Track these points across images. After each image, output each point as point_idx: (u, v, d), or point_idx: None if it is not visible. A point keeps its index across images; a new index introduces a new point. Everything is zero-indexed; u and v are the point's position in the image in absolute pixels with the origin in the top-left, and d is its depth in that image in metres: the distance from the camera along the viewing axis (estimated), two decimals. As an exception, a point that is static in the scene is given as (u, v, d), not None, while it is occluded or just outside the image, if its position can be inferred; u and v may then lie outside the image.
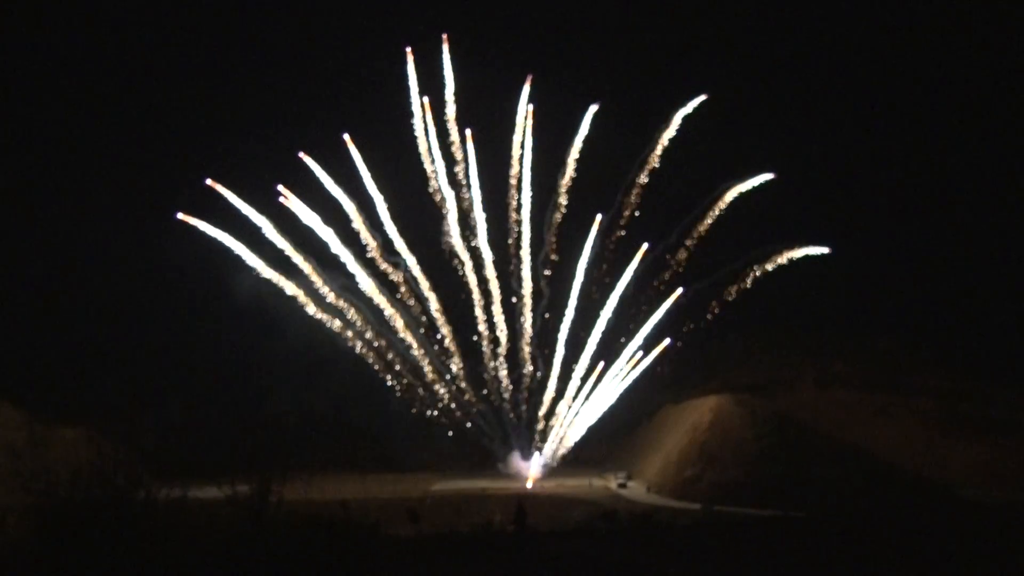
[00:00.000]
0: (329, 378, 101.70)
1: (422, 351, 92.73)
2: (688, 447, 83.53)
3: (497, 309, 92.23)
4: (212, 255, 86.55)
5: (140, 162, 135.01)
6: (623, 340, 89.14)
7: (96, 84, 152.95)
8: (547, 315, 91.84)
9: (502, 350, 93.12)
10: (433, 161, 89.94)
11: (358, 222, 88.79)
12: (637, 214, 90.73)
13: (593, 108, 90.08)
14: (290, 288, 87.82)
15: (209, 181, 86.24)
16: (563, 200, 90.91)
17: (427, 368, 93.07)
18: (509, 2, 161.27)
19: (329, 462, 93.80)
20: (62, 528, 15.60)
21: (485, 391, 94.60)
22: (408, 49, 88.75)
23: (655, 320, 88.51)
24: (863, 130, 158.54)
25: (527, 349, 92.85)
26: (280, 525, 17.90)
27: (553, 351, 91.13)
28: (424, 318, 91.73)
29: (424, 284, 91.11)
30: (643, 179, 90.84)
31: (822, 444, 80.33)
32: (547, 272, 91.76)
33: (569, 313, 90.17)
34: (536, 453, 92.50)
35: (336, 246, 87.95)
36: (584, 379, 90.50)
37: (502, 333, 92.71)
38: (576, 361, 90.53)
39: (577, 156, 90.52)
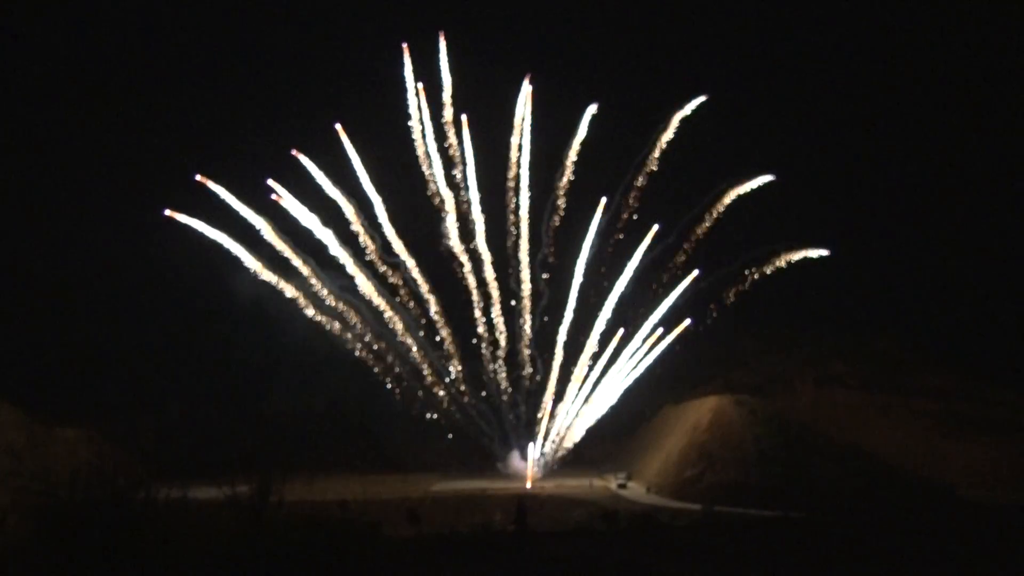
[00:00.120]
0: (329, 379, 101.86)
1: (421, 352, 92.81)
2: (688, 447, 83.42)
3: (496, 310, 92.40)
4: (212, 256, 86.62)
5: (140, 162, 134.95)
6: (627, 330, 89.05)
7: (96, 85, 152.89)
8: (546, 318, 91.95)
9: (501, 351, 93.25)
10: (431, 165, 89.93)
11: (356, 224, 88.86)
12: (635, 217, 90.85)
13: (592, 108, 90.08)
14: (289, 290, 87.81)
15: (199, 177, 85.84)
16: (561, 203, 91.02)
17: (426, 370, 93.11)
18: (508, 2, 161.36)
19: (329, 462, 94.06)
20: (62, 528, 15.61)
21: (484, 392, 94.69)
22: (404, 45, 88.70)
23: (672, 300, 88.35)
24: (863, 131, 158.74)
25: (526, 352, 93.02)
26: (280, 525, 17.92)
27: (552, 352, 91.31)
28: (423, 321, 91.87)
29: (423, 285, 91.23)
30: (642, 180, 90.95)
31: (822, 444, 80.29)
32: (545, 276, 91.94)
33: (568, 314, 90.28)
34: (536, 453, 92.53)
35: (335, 248, 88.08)
36: (584, 378, 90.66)
37: (501, 335, 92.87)
38: (575, 363, 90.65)
39: (575, 159, 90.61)
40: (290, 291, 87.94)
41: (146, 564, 15.32)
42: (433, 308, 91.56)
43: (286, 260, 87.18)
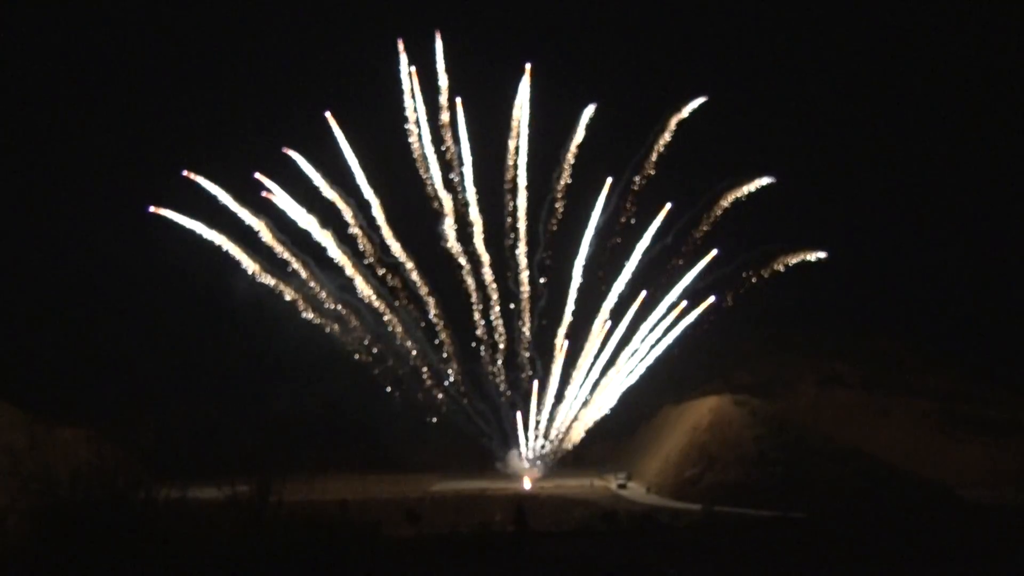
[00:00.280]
0: (328, 379, 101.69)
1: (421, 353, 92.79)
2: (688, 447, 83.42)
3: (495, 311, 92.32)
4: (212, 256, 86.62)
5: (140, 162, 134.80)
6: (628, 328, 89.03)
7: (98, 84, 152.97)
8: (544, 321, 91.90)
9: (500, 351, 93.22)
10: (428, 168, 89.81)
11: (354, 225, 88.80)
12: (633, 221, 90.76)
13: (590, 109, 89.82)
14: (288, 292, 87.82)
15: (185, 172, 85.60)
16: (559, 205, 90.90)
17: (425, 371, 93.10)
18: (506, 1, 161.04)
19: (329, 462, 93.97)
20: (62, 528, 15.61)
21: (484, 392, 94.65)
22: (400, 42, 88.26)
23: (692, 275, 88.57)
24: (862, 131, 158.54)
25: (525, 353, 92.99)
26: (280, 525, 17.93)
27: (552, 353, 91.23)
28: (423, 324, 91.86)
29: (422, 287, 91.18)
30: (641, 181, 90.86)
31: (822, 444, 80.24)
32: (543, 280, 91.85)
33: (567, 316, 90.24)
34: (535, 453, 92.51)
35: (333, 249, 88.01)
36: (584, 379, 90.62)
37: (500, 336, 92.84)
38: (575, 364, 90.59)
39: (573, 161, 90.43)
40: (289, 293, 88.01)
41: (146, 564, 15.32)
42: (432, 310, 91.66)
43: (285, 262, 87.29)
